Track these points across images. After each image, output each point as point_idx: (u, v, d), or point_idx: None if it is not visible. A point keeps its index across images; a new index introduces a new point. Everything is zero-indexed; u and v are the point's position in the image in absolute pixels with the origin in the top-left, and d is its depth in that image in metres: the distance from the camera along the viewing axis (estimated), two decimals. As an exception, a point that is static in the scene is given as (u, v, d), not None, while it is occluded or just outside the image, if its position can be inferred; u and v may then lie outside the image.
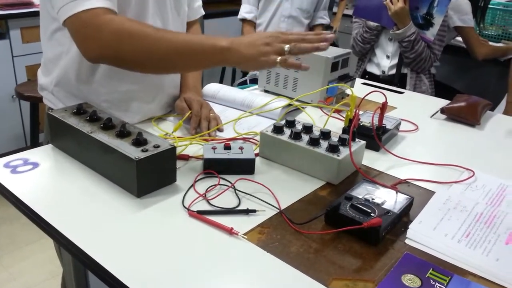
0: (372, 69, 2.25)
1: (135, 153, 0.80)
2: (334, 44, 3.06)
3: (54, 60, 1.07)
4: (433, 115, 1.36)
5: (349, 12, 3.73)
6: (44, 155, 0.96)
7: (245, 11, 2.55)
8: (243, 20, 2.57)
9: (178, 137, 1.07)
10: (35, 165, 0.92)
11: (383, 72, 2.19)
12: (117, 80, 1.07)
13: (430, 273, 0.67)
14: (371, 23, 2.11)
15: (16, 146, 2.83)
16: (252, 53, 0.88)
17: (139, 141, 0.84)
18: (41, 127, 2.58)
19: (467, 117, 1.30)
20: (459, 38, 2.38)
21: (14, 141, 2.83)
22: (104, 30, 0.89)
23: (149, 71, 1.01)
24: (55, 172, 0.91)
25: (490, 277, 0.69)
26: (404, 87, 2.08)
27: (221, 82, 3.53)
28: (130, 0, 1.01)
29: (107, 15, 0.90)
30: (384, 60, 2.18)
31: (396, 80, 2.13)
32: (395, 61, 2.14)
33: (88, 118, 0.92)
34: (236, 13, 2.62)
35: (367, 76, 2.25)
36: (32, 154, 0.96)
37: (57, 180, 0.88)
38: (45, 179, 0.89)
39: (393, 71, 2.16)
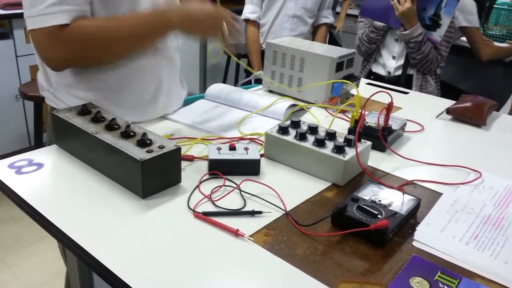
0: (377, 69, 2.24)
1: (140, 153, 0.80)
2: (337, 44, 3.05)
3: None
4: (438, 115, 1.35)
5: (353, 12, 3.73)
6: (48, 156, 0.96)
7: (249, 11, 2.54)
8: (247, 21, 2.56)
9: (182, 137, 1.06)
10: (40, 165, 0.92)
11: (389, 73, 2.18)
12: (115, 78, 1.07)
13: (439, 276, 0.67)
14: (378, 23, 2.10)
15: (20, 146, 2.83)
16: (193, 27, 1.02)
17: (144, 142, 0.83)
18: (44, 127, 2.58)
19: (473, 117, 1.29)
20: (464, 38, 2.37)
21: (18, 141, 2.83)
22: (58, 47, 0.95)
23: (113, 62, 1.06)
24: (59, 173, 0.91)
25: (499, 279, 0.68)
26: (410, 88, 2.06)
27: (224, 82, 3.52)
28: (123, 2, 1.02)
29: (61, 31, 0.94)
30: (390, 60, 2.17)
31: (402, 81, 2.12)
32: (401, 61, 2.13)
33: (92, 118, 0.92)
34: (239, 13, 2.61)
35: (372, 77, 2.24)
36: (36, 155, 0.96)
37: (61, 181, 0.88)
38: (50, 179, 0.88)
39: (399, 72, 2.15)
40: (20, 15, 2.69)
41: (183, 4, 1.03)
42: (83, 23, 0.96)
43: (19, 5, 2.67)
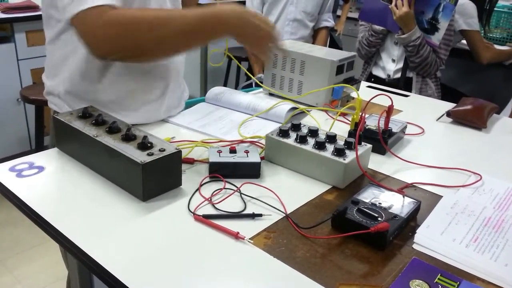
0: (377, 72, 2.24)
1: (140, 157, 0.80)
2: (338, 47, 3.06)
3: (60, 61, 1.07)
4: (439, 118, 1.35)
5: (353, 15, 3.74)
6: (49, 159, 0.96)
7: (249, 14, 2.55)
8: (247, 24, 2.56)
9: (183, 140, 1.06)
10: (41, 169, 0.92)
11: (389, 75, 2.18)
12: (125, 79, 1.07)
13: (439, 279, 0.67)
14: (377, 27, 2.11)
15: (21, 149, 2.84)
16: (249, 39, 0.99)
17: (145, 145, 0.84)
18: (46, 130, 2.59)
19: (473, 120, 1.29)
20: (464, 41, 2.37)
21: (19, 144, 2.84)
22: (108, 27, 0.89)
23: (155, 57, 1.02)
24: (60, 176, 0.91)
25: (499, 282, 0.68)
26: (410, 91, 2.07)
27: (225, 85, 3.53)
28: (132, 2, 1.01)
29: (109, 12, 0.89)
30: (390, 63, 2.18)
31: (402, 84, 2.12)
32: (400, 64, 2.13)
33: (93, 121, 0.92)
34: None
35: (372, 80, 2.24)
36: (37, 158, 0.96)
37: (62, 184, 0.88)
38: (51, 183, 0.89)
39: (399, 75, 2.15)
40: (21, 19, 2.72)
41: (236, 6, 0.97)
42: (134, 9, 0.94)
43: (20, 9, 2.69)
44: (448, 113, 1.32)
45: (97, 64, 1.03)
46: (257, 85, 1.54)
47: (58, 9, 0.97)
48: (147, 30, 0.91)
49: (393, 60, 2.16)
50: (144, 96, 1.12)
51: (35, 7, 2.74)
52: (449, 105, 1.44)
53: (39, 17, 2.77)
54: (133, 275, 0.65)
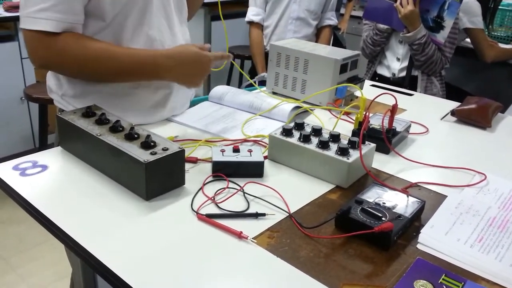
0: (382, 71, 2.23)
1: (143, 156, 0.80)
2: (341, 45, 3.05)
3: None
4: (443, 117, 1.35)
5: (357, 13, 3.72)
6: (53, 158, 0.96)
7: (252, 13, 2.54)
8: (251, 23, 2.56)
9: (186, 139, 1.06)
10: (44, 167, 0.92)
11: (393, 74, 2.18)
12: (126, 83, 1.08)
13: (443, 279, 0.66)
14: (382, 26, 2.10)
15: (25, 147, 2.84)
16: (184, 83, 1.09)
17: (148, 144, 0.84)
18: (50, 129, 2.59)
19: (477, 119, 1.28)
20: (469, 40, 2.36)
21: (23, 143, 2.84)
22: (48, 51, 0.98)
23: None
24: (63, 175, 0.91)
25: (504, 283, 0.67)
26: (415, 90, 2.06)
27: (228, 84, 3.53)
28: (135, 4, 1.02)
29: (55, 37, 0.96)
30: (395, 62, 2.17)
31: (407, 83, 2.11)
32: (405, 63, 2.13)
33: (97, 120, 0.92)
34: (243, 14, 2.62)
35: (377, 79, 2.23)
36: (41, 157, 0.96)
37: (65, 183, 0.88)
38: (54, 181, 0.89)
39: (404, 74, 2.14)
40: (25, 18, 2.71)
41: (179, 50, 1.06)
42: (67, 41, 0.97)
43: (24, 8, 2.68)
44: (453, 112, 1.31)
45: None
46: (260, 84, 1.53)
47: None
48: (72, 65, 1.01)
49: (398, 59, 2.15)
50: (148, 97, 1.12)
51: (38, 6, 2.74)
52: (453, 104, 1.43)
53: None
54: (136, 274, 0.65)
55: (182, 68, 1.04)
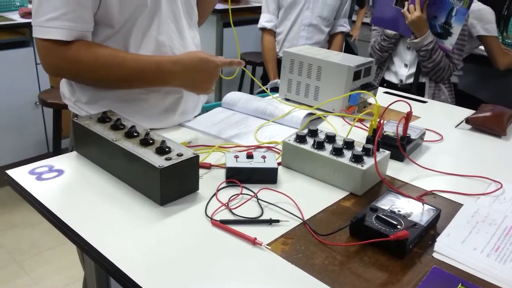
0: (390, 77, 2.23)
1: (159, 161, 0.81)
2: (353, 52, 3.04)
3: None
4: (458, 125, 1.34)
5: (368, 20, 3.72)
6: (68, 162, 0.97)
7: (265, 20, 2.56)
8: (263, 29, 2.57)
9: (200, 145, 1.07)
10: (60, 172, 0.93)
11: (401, 80, 2.17)
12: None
13: (460, 288, 0.66)
14: (389, 32, 2.10)
15: (39, 152, 2.87)
16: (192, 89, 1.10)
17: (163, 150, 0.84)
18: (64, 133, 2.62)
19: (492, 127, 1.27)
20: (482, 47, 2.34)
21: (37, 147, 2.87)
22: (58, 59, 0.99)
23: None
24: (79, 179, 0.92)
25: (522, 293, 0.67)
26: (422, 96, 2.05)
27: (239, 90, 3.54)
28: (143, 9, 1.03)
29: (66, 47, 0.98)
30: (402, 68, 2.16)
31: (414, 89, 2.10)
32: (413, 69, 2.12)
33: (112, 125, 0.93)
34: (256, 21, 2.63)
35: (385, 85, 2.23)
36: (57, 161, 0.97)
37: (81, 187, 0.89)
38: (70, 186, 0.89)
39: (411, 80, 2.13)
40: (41, 24, 2.74)
41: (186, 55, 1.06)
42: (78, 50, 0.98)
43: (40, 14, 2.72)
44: (467, 120, 1.30)
45: None
46: (273, 90, 1.54)
47: None
48: (85, 74, 1.02)
49: (406, 65, 2.14)
50: (158, 102, 1.12)
51: (54, 12, 2.78)
52: (467, 112, 1.42)
53: (58, 22, 2.82)
54: (150, 278, 0.65)
55: (189, 74, 1.04)
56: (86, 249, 0.74)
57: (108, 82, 1.04)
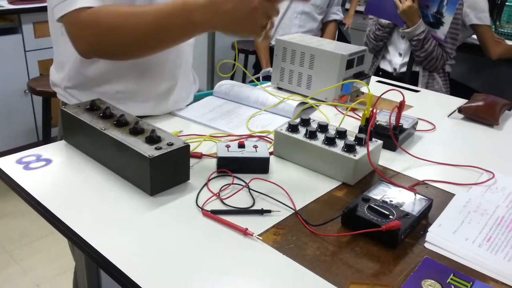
0: (385, 66, 2.22)
1: (148, 150, 0.79)
2: (346, 41, 3.03)
3: (67, 55, 1.06)
4: (450, 114, 1.33)
5: (362, 8, 3.70)
6: (57, 152, 0.96)
7: (258, 7, 2.53)
8: (256, 16, 2.55)
9: (191, 134, 1.05)
10: (48, 161, 0.92)
11: (395, 69, 2.16)
12: (132, 72, 1.06)
13: (451, 279, 0.65)
14: (384, 21, 2.09)
15: (28, 140, 2.84)
16: (231, 29, 0.88)
17: (153, 139, 0.83)
18: (53, 122, 2.59)
19: (485, 116, 1.27)
20: (475, 36, 2.34)
21: (26, 136, 2.84)
22: (85, 29, 0.90)
23: (139, 56, 0.98)
24: (67, 169, 0.90)
25: (513, 283, 0.67)
26: (416, 86, 2.05)
27: (232, 78, 3.52)
28: None
29: (88, 12, 0.89)
30: (396, 57, 2.16)
31: (407, 78, 2.10)
32: (407, 58, 2.11)
33: (101, 114, 0.91)
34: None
35: (380, 73, 2.22)
36: (45, 150, 0.96)
37: (69, 177, 0.87)
38: (58, 175, 0.88)
39: (405, 69, 2.13)
40: (29, 10, 2.72)
41: None
42: (107, 7, 0.91)
43: (27, 0, 2.68)
44: (460, 110, 1.30)
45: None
46: (265, 79, 1.52)
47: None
48: (116, 29, 0.89)
49: (400, 54, 2.14)
50: (152, 88, 1.11)
51: (42, -1, 2.73)
52: (460, 101, 1.42)
53: (46, 9, 2.77)
54: (139, 269, 0.64)
55: (216, 5, 0.84)
56: (75, 240, 0.72)
57: (134, 40, 0.90)
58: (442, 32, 1.95)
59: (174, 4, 0.87)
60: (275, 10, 0.88)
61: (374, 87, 1.51)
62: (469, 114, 1.29)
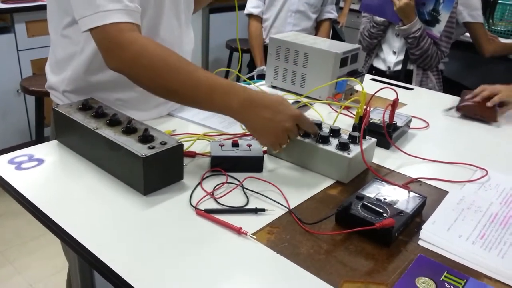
0: (378, 64, 2.22)
1: (141, 150, 0.79)
2: (340, 39, 3.03)
3: (66, 59, 1.04)
4: (448, 109, 1.33)
5: (356, 7, 3.70)
6: (49, 152, 0.95)
7: (252, 6, 2.52)
8: (250, 15, 2.54)
9: (184, 133, 1.05)
10: (40, 161, 0.91)
11: (389, 68, 2.16)
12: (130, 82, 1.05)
13: (445, 276, 0.66)
14: (378, 18, 2.09)
15: (21, 140, 2.82)
16: (257, 131, 0.89)
17: (146, 138, 0.82)
18: (46, 122, 2.57)
19: (484, 115, 1.27)
20: (468, 34, 2.34)
21: (19, 135, 2.82)
22: (126, 50, 0.86)
23: (158, 95, 0.94)
24: (60, 169, 0.90)
25: (506, 280, 0.67)
26: (410, 84, 2.05)
27: (226, 77, 3.51)
28: (150, 2, 0.98)
29: (132, 33, 0.87)
30: (391, 55, 2.16)
31: (402, 76, 2.10)
32: (401, 57, 2.11)
33: (94, 114, 0.91)
34: (242, 7, 2.60)
35: (374, 72, 2.22)
36: (37, 150, 0.95)
37: (62, 177, 0.87)
38: (50, 176, 0.87)
39: (399, 67, 2.13)
40: (21, 9, 2.69)
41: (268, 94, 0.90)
42: (154, 44, 0.88)
43: (20, -1, 2.66)
44: (458, 108, 1.30)
45: (104, 64, 0.99)
46: (259, 78, 1.52)
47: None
48: (159, 73, 0.87)
49: (394, 52, 2.14)
50: (153, 95, 1.09)
51: (35, -3, 2.71)
52: (453, 99, 1.42)
53: (39, 8, 2.75)
54: (133, 269, 0.64)
55: (257, 107, 0.86)
56: (67, 241, 0.72)
57: (166, 89, 0.88)
58: (437, 30, 1.95)
59: (222, 81, 0.87)
60: (297, 135, 0.92)
61: (368, 85, 1.51)
62: (467, 112, 1.29)
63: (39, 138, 2.57)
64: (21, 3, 2.63)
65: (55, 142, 0.98)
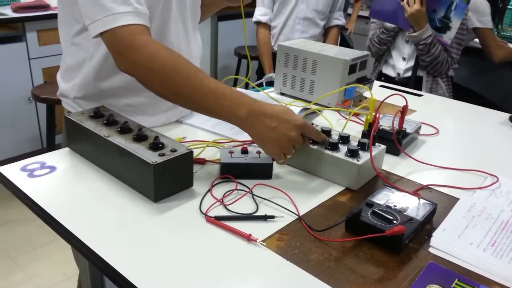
0: (387, 71, 2.22)
1: (152, 157, 0.80)
2: (348, 46, 3.03)
3: (76, 66, 1.06)
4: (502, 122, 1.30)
5: (364, 13, 3.70)
6: (61, 159, 0.96)
7: (260, 13, 2.54)
8: (258, 23, 2.55)
9: (194, 140, 1.06)
10: (52, 168, 0.92)
11: (398, 74, 2.16)
12: (142, 87, 1.06)
13: (456, 284, 0.65)
14: (388, 24, 2.09)
15: (33, 147, 2.85)
16: (261, 141, 0.88)
17: (156, 145, 0.83)
18: (57, 129, 2.60)
19: None
20: (477, 40, 2.34)
21: (31, 143, 2.85)
22: (138, 53, 0.87)
23: (166, 99, 0.94)
24: (71, 176, 0.91)
25: (519, 288, 0.66)
26: (420, 90, 2.05)
27: (235, 84, 3.52)
28: (156, 8, 1.00)
29: (143, 36, 0.88)
30: (400, 62, 2.15)
31: (412, 83, 2.09)
32: (411, 63, 2.11)
33: (105, 121, 0.92)
34: (250, 15, 2.61)
35: (383, 78, 2.22)
36: (49, 158, 0.96)
37: (73, 184, 0.88)
38: (62, 183, 0.88)
39: (409, 74, 2.12)
40: (33, 18, 2.74)
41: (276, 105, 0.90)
42: (165, 49, 0.89)
43: (31, 8, 2.70)
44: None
45: (113, 69, 0.99)
46: (268, 84, 1.52)
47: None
48: (170, 78, 0.88)
49: (404, 59, 2.14)
50: (162, 101, 1.10)
51: (46, 6, 2.75)
52: (463, 105, 1.41)
53: (50, 16, 2.79)
54: (144, 276, 0.64)
55: (263, 117, 0.87)
56: (79, 247, 0.72)
57: (175, 92, 0.89)
58: (448, 37, 1.95)
59: (231, 90, 0.88)
60: (302, 144, 0.91)
61: (377, 91, 1.51)
62: None
63: (50, 146, 2.60)
64: (33, 12, 2.67)
65: (66, 149, 1.00)
